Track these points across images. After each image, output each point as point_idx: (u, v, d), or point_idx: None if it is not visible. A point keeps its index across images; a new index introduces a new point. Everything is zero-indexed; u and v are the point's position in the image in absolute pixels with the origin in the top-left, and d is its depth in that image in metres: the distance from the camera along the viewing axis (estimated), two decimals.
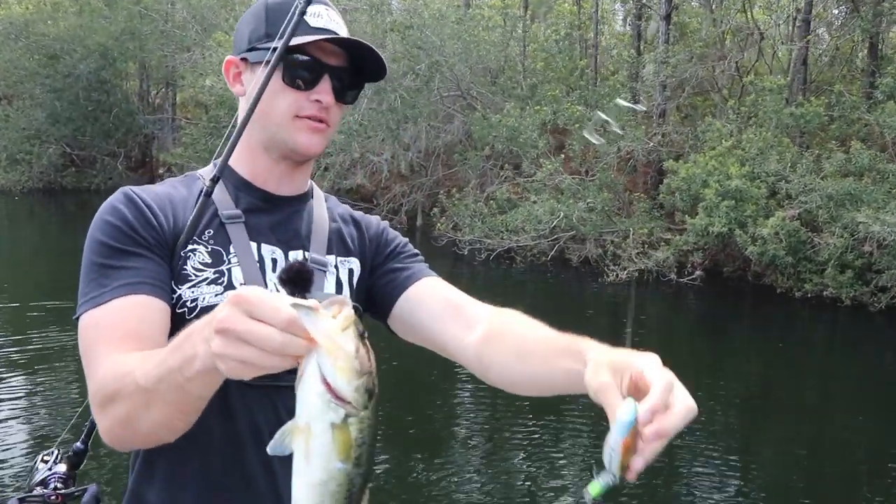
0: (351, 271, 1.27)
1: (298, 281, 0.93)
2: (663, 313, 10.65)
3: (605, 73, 16.46)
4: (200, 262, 1.12)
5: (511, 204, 12.35)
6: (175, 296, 1.10)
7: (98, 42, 20.54)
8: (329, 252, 1.24)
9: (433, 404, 6.23)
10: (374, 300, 1.28)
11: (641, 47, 15.56)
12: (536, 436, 5.51)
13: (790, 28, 14.81)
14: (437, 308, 1.24)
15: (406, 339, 1.28)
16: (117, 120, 21.74)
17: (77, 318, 1.06)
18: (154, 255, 1.09)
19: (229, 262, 1.13)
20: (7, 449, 4.73)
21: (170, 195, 1.17)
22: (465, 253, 12.21)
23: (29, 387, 5.93)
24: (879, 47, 12.93)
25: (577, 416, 5.88)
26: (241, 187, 1.21)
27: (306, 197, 1.28)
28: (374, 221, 1.36)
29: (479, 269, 11.85)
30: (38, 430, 5.07)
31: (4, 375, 6.09)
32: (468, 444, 5.40)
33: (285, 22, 1.13)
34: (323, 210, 1.29)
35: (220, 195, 1.18)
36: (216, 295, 1.10)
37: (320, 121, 1.16)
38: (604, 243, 11.75)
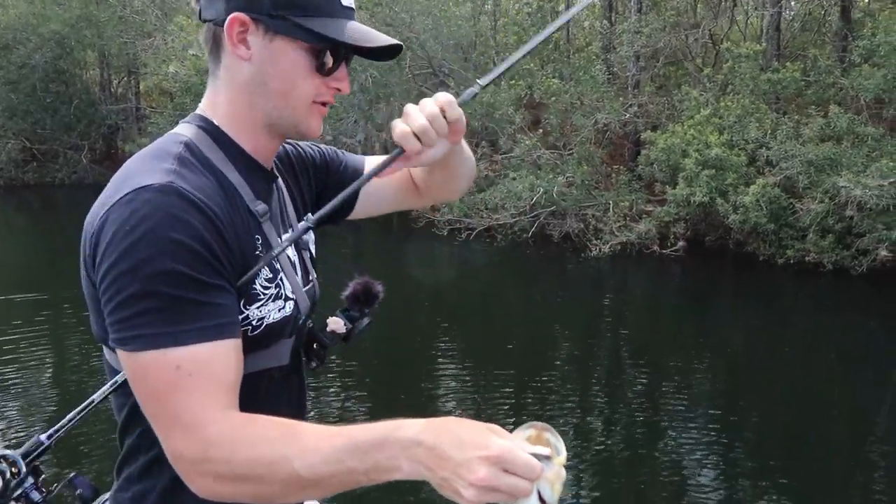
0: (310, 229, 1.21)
1: (367, 300, 1.07)
2: (647, 285, 10.59)
3: (579, 44, 16.26)
4: (266, 279, 1.06)
5: (489, 181, 12.16)
6: (241, 316, 1.01)
7: (53, 30, 19.80)
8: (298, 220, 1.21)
9: (418, 382, 6.08)
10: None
11: (613, 18, 15.37)
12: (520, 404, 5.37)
13: None
14: (389, 190, 1.38)
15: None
16: (78, 111, 21.05)
17: (126, 349, 0.91)
18: (231, 284, 0.97)
19: (278, 271, 1.09)
20: None
21: (214, 189, 1.01)
22: (445, 233, 12.02)
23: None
24: (851, 11, 12.88)
25: (562, 386, 5.78)
26: (251, 168, 1.10)
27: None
28: (292, 152, 1.29)
29: (459, 249, 11.67)
30: (5, 428, 4.82)
31: None
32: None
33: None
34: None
35: (231, 172, 1.06)
36: (279, 310, 1.08)
37: (325, 104, 1.10)
38: (585, 218, 11.63)
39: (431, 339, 7.32)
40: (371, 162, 1.37)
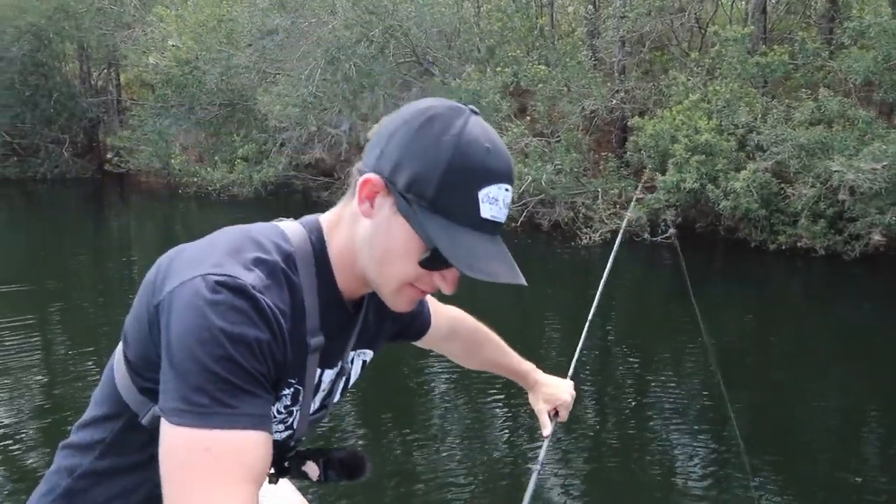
0: (364, 362, 1.28)
1: (349, 474, 1.13)
2: (638, 273, 10.51)
3: (563, 30, 16.09)
4: (283, 406, 1.10)
5: None
6: None
7: (30, 22, 19.42)
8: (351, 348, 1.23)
9: (402, 368, 5.97)
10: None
11: (598, 3, 15.21)
12: (509, 407, 5.29)
13: None
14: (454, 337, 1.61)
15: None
16: (58, 105, 20.71)
17: (167, 419, 0.91)
18: (272, 391, 0.99)
19: (299, 403, 1.12)
20: None
21: (287, 306, 1.00)
22: None
23: None
24: None
25: None
26: (332, 301, 1.09)
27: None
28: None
29: None
30: (2, 444, 4.69)
31: None
32: (446, 417, 5.16)
33: (456, 200, 0.97)
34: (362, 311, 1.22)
35: (311, 299, 1.04)
36: (278, 433, 1.12)
37: (424, 291, 1.07)
38: (574, 206, 11.52)
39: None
40: (436, 309, 1.51)
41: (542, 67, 11.72)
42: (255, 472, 0.90)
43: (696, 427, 5.08)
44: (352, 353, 1.20)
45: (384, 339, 1.30)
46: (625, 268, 10.74)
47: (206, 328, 0.90)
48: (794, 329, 7.65)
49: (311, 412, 1.17)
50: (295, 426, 1.15)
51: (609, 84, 12.33)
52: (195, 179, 15.75)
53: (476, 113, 1.00)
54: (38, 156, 20.56)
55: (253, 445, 0.90)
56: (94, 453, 1.12)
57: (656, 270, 10.59)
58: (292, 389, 1.08)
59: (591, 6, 14.34)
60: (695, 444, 4.83)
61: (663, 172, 10.74)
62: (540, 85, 11.61)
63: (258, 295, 0.94)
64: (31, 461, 4.52)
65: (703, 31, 14.01)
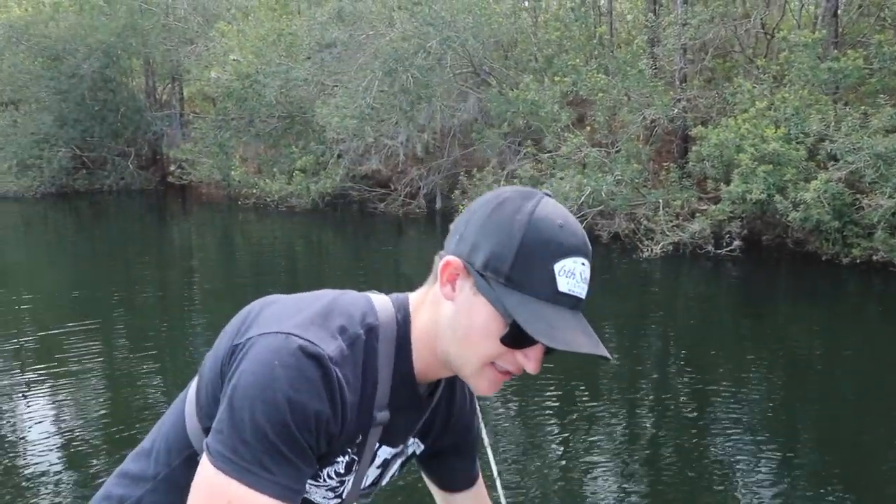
0: (414, 453, 1.25)
1: None
2: (702, 287, 10.18)
3: (623, 38, 15.84)
4: (335, 472, 1.08)
5: (534, 182, 11.87)
6: None
7: (100, 40, 20.17)
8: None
9: None
10: (425, 466, 1.33)
11: (657, 10, 14.92)
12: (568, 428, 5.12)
13: None
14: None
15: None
16: (125, 119, 21.42)
17: (207, 456, 0.95)
18: (315, 462, 1.01)
19: (353, 472, 1.10)
20: (37, 465, 4.44)
21: (358, 380, 1.03)
22: None
23: (55, 400, 5.69)
24: None
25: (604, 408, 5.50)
26: (405, 381, 1.09)
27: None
28: (466, 407, 1.29)
29: None
30: (68, 447, 4.78)
31: (28, 391, 5.84)
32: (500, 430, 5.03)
33: (532, 275, 0.98)
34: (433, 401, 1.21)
35: (385, 374, 1.06)
36: (324, 498, 1.11)
37: (507, 373, 1.05)
38: (634, 217, 11.25)
39: None
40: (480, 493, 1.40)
41: (602, 76, 11.52)
42: None
43: (759, 444, 4.85)
44: (411, 439, 1.19)
45: (438, 441, 1.26)
46: (688, 281, 10.43)
47: (271, 388, 0.93)
48: (867, 346, 7.24)
49: (361, 486, 1.17)
50: (344, 495, 1.14)
51: (671, 93, 12.03)
52: (254, 191, 16.04)
53: (549, 196, 1.03)
54: (105, 168, 21.27)
55: None
56: (147, 485, 1.12)
57: (720, 284, 10.24)
58: (348, 458, 1.07)
59: (651, 14, 14.06)
60: (759, 460, 4.62)
61: (727, 183, 10.40)
62: (600, 94, 11.41)
63: (332, 367, 0.96)
64: (93, 463, 4.60)
65: (768, 37, 13.58)
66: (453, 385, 1.21)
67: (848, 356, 6.92)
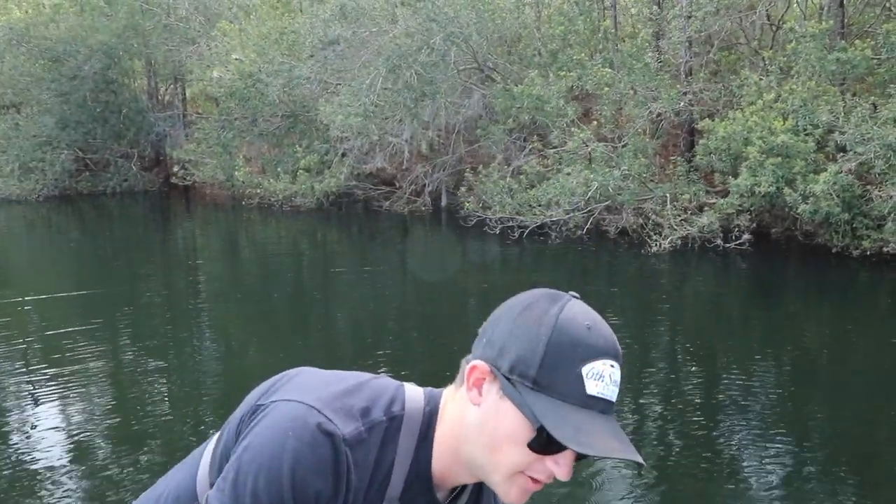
0: None
1: None
2: (711, 281, 10.11)
3: (627, 33, 15.73)
4: None
5: (541, 177, 11.78)
6: None
7: (101, 41, 20.09)
8: None
9: None
10: None
11: (661, 3, 14.81)
12: None
13: None
14: None
15: None
16: (127, 120, 21.35)
17: None
18: None
19: None
20: (43, 463, 4.40)
21: (370, 469, 1.00)
22: (497, 232, 11.69)
23: (60, 400, 5.66)
24: None
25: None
26: (421, 478, 1.05)
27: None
28: None
29: (512, 248, 11.34)
30: (74, 446, 4.73)
31: (33, 391, 5.82)
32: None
33: (559, 382, 0.96)
34: None
35: (401, 467, 1.03)
36: None
37: (537, 481, 1.01)
38: (642, 212, 11.16)
39: None
40: None
41: (608, 71, 11.42)
42: None
43: (770, 439, 4.80)
44: None
45: None
46: (697, 275, 10.35)
47: (279, 458, 0.93)
48: (878, 340, 7.16)
49: None
50: None
51: (678, 86, 11.93)
52: (258, 191, 15.97)
53: (577, 297, 1.01)
54: (108, 170, 21.21)
55: None
56: None
57: (730, 277, 10.16)
58: None
59: (655, 6, 13.96)
60: (770, 456, 4.57)
61: (735, 176, 10.32)
62: (606, 88, 11.31)
63: (344, 448, 0.96)
64: (98, 462, 4.59)
65: (774, 29, 13.48)
66: (479, 491, 1.15)
67: (859, 349, 6.86)
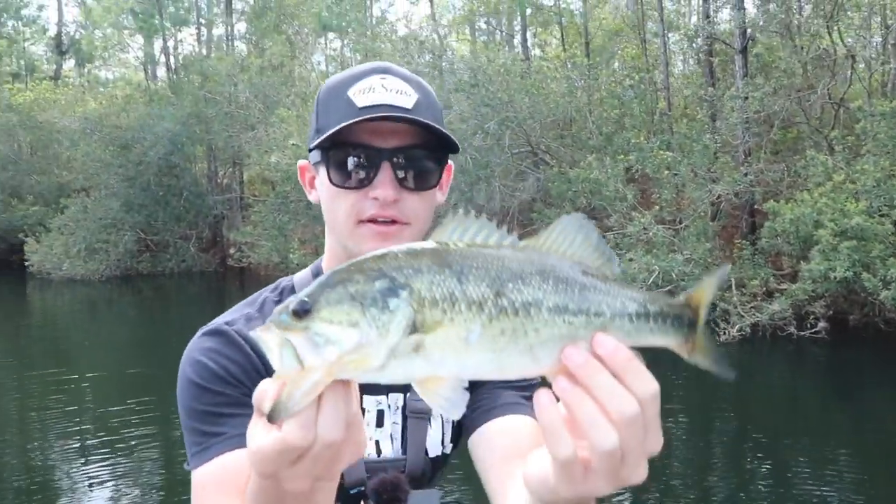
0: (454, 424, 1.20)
1: (389, 501, 1.03)
2: (784, 372, 9.51)
3: (679, 114, 15.62)
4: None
5: None
6: None
7: (166, 128, 21.00)
8: None
9: None
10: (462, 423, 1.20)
11: (715, 83, 14.70)
12: None
13: (881, 49, 13.74)
14: (497, 456, 1.09)
15: None
16: (187, 203, 22.04)
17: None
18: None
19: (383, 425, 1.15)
20: None
21: None
22: None
23: (112, 471, 5.84)
24: None
25: None
26: None
27: None
28: None
29: None
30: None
31: (86, 462, 6.00)
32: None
33: (329, 111, 1.05)
34: None
35: None
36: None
37: (389, 221, 1.03)
38: None
39: None
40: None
41: (669, 153, 11.19)
42: (244, 483, 0.90)
43: None
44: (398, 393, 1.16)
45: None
46: (768, 365, 9.75)
47: (182, 376, 1.07)
48: None
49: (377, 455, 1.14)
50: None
51: (742, 167, 11.61)
52: None
53: None
54: (168, 251, 21.76)
55: (234, 462, 0.96)
56: None
57: (805, 368, 9.55)
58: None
59: (711, 87, 13.83)
60: None
61: (805, 260, 9.84)
62: (666, 171, 11.07)
63: (229, 331, 1.07)
64: None
65: (835, 107, 13.15)
66: None
67: None
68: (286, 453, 0.69)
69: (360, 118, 0.97)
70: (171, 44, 26.38)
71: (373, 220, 1.01)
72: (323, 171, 1.03)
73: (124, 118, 22.06)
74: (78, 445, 6.45)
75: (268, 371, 0.94)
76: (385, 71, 1.03)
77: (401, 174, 1.00)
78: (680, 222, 11.49)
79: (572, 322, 0.72)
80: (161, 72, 28.21)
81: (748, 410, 7.72)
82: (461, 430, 1.17)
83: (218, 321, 1.10)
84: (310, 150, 1.06)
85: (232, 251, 20.68)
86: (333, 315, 0.67)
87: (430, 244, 0.72)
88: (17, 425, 7.46)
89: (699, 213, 11.24)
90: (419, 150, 1.02)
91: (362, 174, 0.99)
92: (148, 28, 25.94)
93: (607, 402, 0.67)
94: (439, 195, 1.12)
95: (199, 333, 1.09)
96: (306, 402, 0.68)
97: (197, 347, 1.07)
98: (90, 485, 5.54)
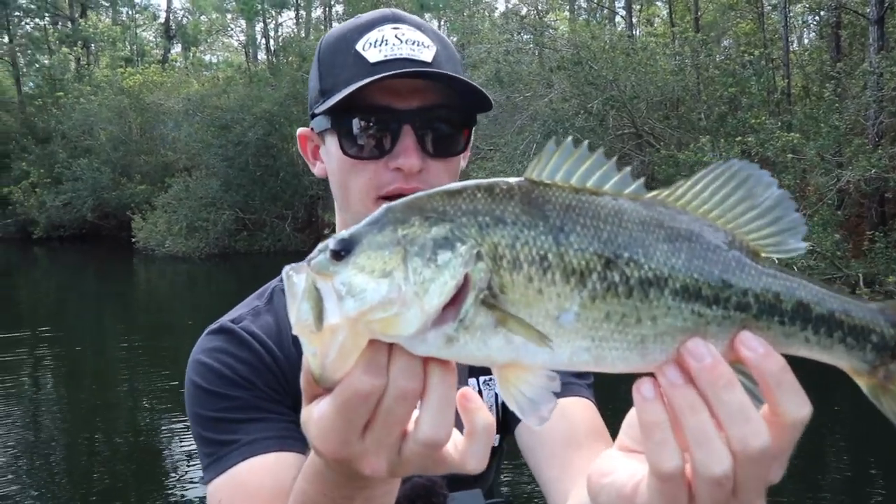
0: (497, 395, 1.05)
1: None
2: None
3: (800, 93, 14.43)
4: None
5: None
6: None
7: (265, 109, 21.36)
8: (470, 374, 1.03)
9: None
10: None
11: (843, 59, 13.45)
12: None
13: None
14: (550, 444, 0.99)
15: None
16: (284, 183, 22.41)
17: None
18: (283, 407, 1.00)
19: None
20: None
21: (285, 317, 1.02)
22: None
23: None
24: None
25: None
26: None
27: None
28: None
29: None
30: None
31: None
32: None
33: (339, 67, 0.92)
34: None
35: None
36: None
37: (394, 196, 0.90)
38: None
39: None
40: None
41: (795, 135, 10.23)
42: (260, 497, 0.87)
43: None
44: (476, 383, 1.07)
45: None
46: None
47: (188, 383, 1.01)
48: None
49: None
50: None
51: (880, 150, 10.51)
52: None
53: None
54: (264, 230, 22.23)
55: (249, 473, 0.91)
56: None
57: None
58: None
59: (839, 63, 12.65)
60: None
61: None
62: (790, 155, 10.14)
63: (234, 328, 1.00)
64: None
65: None
66: None
67: None
68: (352, 407, 0.56)
69: (376, 77, 0.85)
70: (271, 26, 26.82)
71: (396, 196, 0.81)
72: (332, 139, 0.93)
73: (225, 100, 22.61)
74: (179, 413, 6.73)
75: (279, 367, 0.93)
76: (396, 19, 0.92)
77: (425, 140, 0.89)
78: (803, 211, 10.54)
79: (703, 314, 0.57)
80: (261, 54, 28.80)
81: (885, 439, 6.92)
82: (507, 417, 1.08)
83: (224, 318, 1.04)
84: (312, 116, 0.96)
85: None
86: (369, 261, 0.55)
87: (522, 182, 0.58)
88: (126, 392, 8.05)
89: (826, 200, 10.25)
90: (444, 109, 0.91)
91: (381, 142, 0.89)
92: (249, 11, 26.47)
93: (730, 424, 0.53)
94: (462, 162, 1.00)
95: (204, 333, 1.04)
96: (343, 368, 0.57)
97: (201, 348, 1.01)
98: (189, 456, 5.70)
